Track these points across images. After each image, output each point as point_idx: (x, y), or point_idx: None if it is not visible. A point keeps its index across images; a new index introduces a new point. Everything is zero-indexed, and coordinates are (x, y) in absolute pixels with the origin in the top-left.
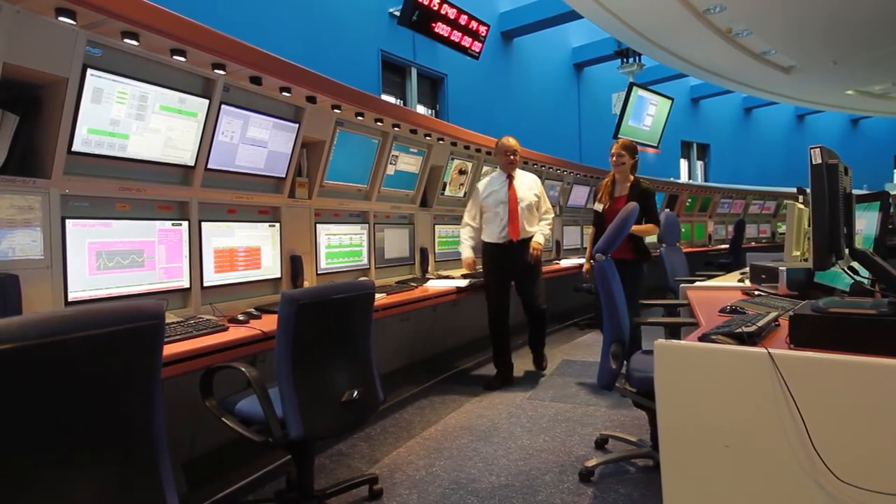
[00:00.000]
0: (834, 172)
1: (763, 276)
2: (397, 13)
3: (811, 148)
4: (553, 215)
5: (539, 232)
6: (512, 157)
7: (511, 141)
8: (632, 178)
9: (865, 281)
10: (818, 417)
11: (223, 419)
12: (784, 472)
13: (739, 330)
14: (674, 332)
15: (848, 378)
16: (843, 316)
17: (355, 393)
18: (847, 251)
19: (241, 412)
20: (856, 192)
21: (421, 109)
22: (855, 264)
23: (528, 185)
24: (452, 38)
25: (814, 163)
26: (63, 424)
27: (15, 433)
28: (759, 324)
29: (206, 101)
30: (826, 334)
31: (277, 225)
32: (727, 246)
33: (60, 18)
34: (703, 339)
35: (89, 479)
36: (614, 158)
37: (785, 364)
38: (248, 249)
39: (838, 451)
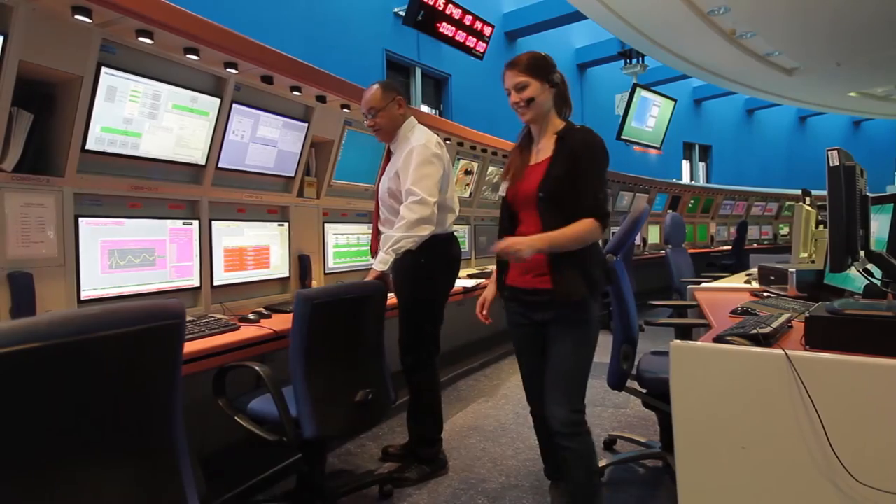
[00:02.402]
0: (851, 174)
1: (772, 278)
2: (402, 13)
3: (828, 150)
4: (418, 202)
5: (383, 247)
6: (366, 121)
7: (367, 92)
8: (559, 124)
9: (878, 283)
10: (835, 418)
11: (236, 419)
12: (801, 472)
13: (755, 331)
14: (685, 333)
15: (865, 379)
16: (860, 318)
17: (369, 393)
18: (862, 253)
19: (254, 412)
20: None
21: (425, 109)
22: (870, 266)
23: (399, 161)
24: (457, 38)
25: (831, 165)
26: (86, 423)
27: (40, 431)
28: (774, 325)
29: (218, 100)
30: (842, 336)
31: (286, 224)
32: (730, 247)
33: (77, 17)
34: (717, 340)
35: (111, 477)
36: (512, 96)
37: (802, 365)
38: (257, 249)
39: (856, 452)
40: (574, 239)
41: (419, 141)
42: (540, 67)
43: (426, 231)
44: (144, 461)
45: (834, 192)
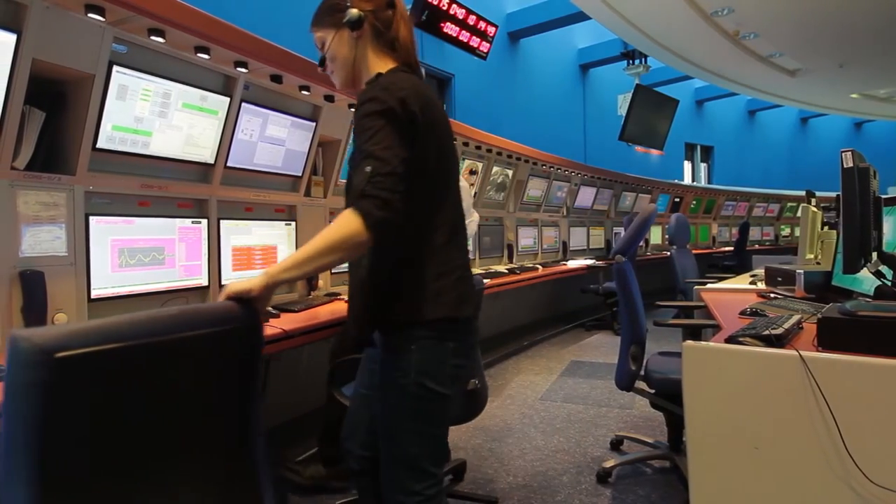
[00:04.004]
0: (865, 176)
1: (779, 279)
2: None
3: (843, 151)
4: None
5: None
6: None
7: None
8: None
9: (889, 284)
10: (850, 419)
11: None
12: (814, 473)
13: (767, 332)
14: (693, 334)
15: (881, 381)
16: (873, 319)
17: (476, 383)
18: (875, 255)
19: None
20: None
21: None
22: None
23: None
24: (461, 38)
25: (845, 166)
26: (163, 427)
27: (115, 436)
28: (786, 326)
29: (227, 99)
30: (856, 337)
31: (293, 224)
32: (731, 248)
33: (90, 15)
34: (729, 340)
35: (188, 484)
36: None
37: (816, 366)
38: (265, 248)
39: (870, 452)
40: (318, 250)
41: None
42: (325, 11)
43: None
44: (222, 467)
45: (848, 194)
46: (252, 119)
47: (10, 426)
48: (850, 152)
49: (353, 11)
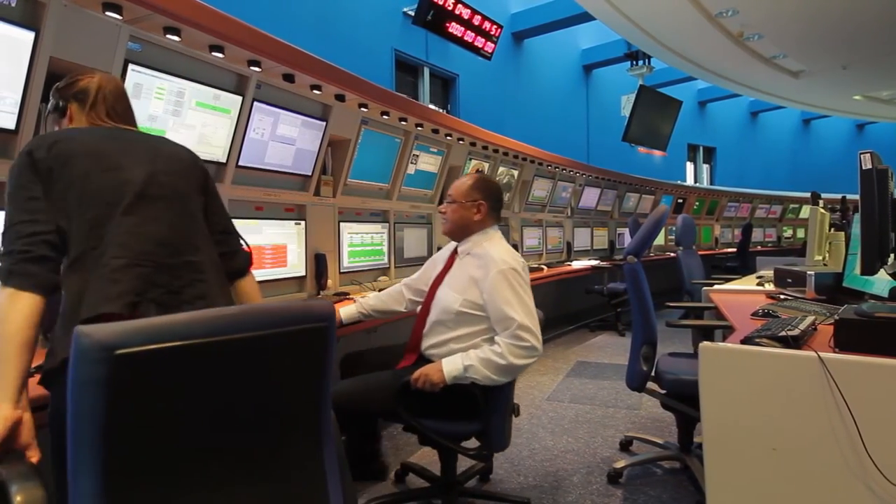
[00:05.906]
0: (884, 178)
1: (789, 280)
2: (411, 13)
3: (861, 153)
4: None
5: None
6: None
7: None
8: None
9: None
10: (869, 420)
11: (431, 435)
12: (833, 474)
13: (783, 333)
14: (705, 334)
15: None
16: (892, 321)
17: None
18: (892, 256)
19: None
20: None
21: (432, 109)
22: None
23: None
24: (466, 38)
25: (864, 168)
26: (228, 429)
27: (171, 440)
28: (801, 327)
29: (240, 98)
30: (873, 338)
31: (303, 223)
32: (734, 249)
33: (107, 13)
34: (745, 342)
35: (252, 488)
36: None
37: (835, 367)
38: (275, 247)
39: (890, 454)
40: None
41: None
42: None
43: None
44: (288, 471)
45: (866, 196)
46: (264, 118)
47: (76, 420)
48: (868, 154)
49: (52, 102)
